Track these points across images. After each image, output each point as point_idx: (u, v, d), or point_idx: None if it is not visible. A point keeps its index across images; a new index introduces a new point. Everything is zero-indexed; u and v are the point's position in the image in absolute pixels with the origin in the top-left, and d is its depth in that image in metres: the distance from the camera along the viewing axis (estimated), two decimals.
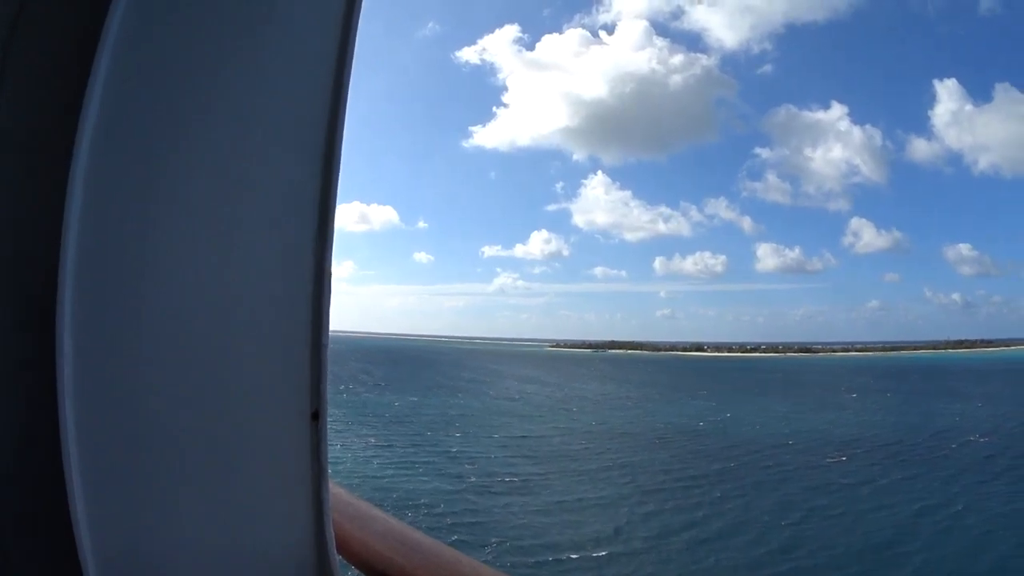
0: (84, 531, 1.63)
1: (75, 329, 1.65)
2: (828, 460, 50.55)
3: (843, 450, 53.60)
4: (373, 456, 45.70)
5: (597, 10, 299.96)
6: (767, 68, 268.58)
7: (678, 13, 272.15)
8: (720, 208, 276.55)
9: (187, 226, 1.82)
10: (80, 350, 1.64)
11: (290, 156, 1.99)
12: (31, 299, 1.77)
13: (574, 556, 29.64)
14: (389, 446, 49.92)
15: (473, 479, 41.19)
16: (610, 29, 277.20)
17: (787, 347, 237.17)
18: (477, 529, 31.96)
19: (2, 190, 1.81)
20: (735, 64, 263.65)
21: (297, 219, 1.97)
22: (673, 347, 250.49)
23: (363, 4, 2.08)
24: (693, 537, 32.70)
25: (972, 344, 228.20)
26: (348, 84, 2.05)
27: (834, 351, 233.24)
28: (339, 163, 2.02)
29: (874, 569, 30.09)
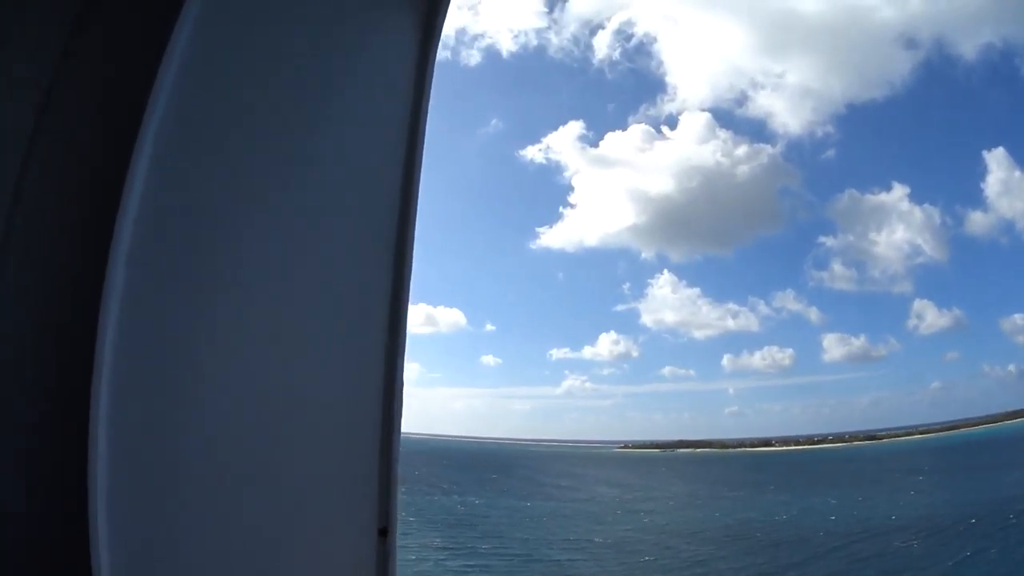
0: None
1: (109, 428, 1.48)
2: (899, 544, 48.31)
3: (919, 533, 51.45)
4: (444, 560, 43.13)
5: (661, 100, 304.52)
6: (830, 153, 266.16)
7: (742, 100, 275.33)
8: (787, 300, 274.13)
9: (250, 323, 1.70)
10: (116, 447, 1.48)
11: (360, 264, 1.87)
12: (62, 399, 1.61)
13: None
14: (460, 550, 47.16)
15: None
16: (673, 123, 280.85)
17: (853, 436, 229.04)
18: None
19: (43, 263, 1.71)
20: (799, 150, 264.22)
21: (367, 321, 1.83)
22: (741, 443, 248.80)
23: (432, 81, 2.07)
24: None
25: None
26: (420, 165, 1.99)
27: (898, 436, 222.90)
28: (410, 267, 1.89)
29: None
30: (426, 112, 1.98)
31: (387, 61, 1.97)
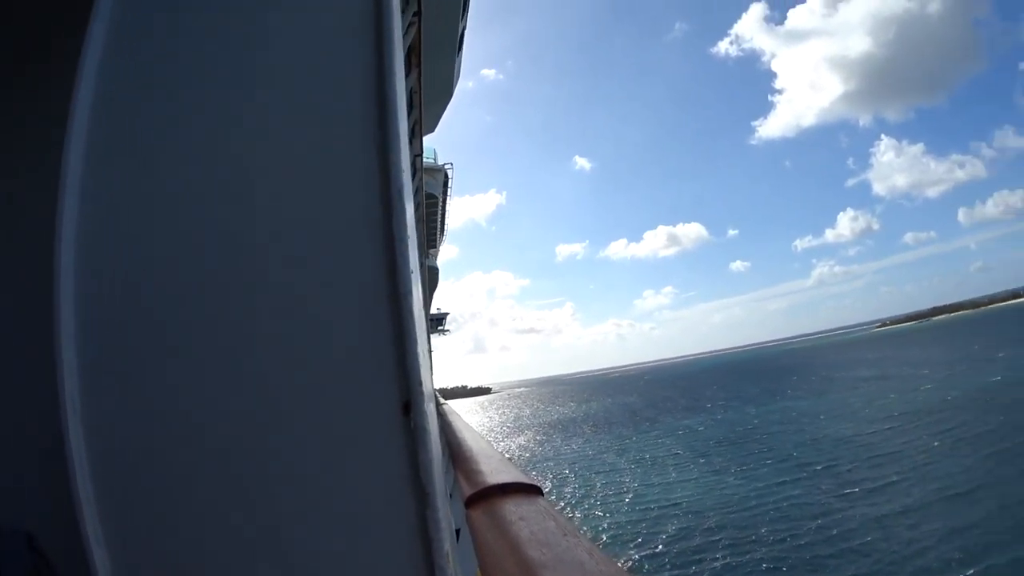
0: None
1: (78, 333, 1.38)
2: None
3: None
4: (735, 482, 38.61)
5: None
6: None
7: None
8: (1007, 138, 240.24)
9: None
10: (85, 353, 1.37)
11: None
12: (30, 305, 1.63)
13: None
14: (747, 469, 41.60)
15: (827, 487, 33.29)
16: None
17: None
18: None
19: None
20: None
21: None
22: (992, 299, 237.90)
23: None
24: None
25: None
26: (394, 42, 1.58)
27: None
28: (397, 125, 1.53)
29: None
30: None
31: None
